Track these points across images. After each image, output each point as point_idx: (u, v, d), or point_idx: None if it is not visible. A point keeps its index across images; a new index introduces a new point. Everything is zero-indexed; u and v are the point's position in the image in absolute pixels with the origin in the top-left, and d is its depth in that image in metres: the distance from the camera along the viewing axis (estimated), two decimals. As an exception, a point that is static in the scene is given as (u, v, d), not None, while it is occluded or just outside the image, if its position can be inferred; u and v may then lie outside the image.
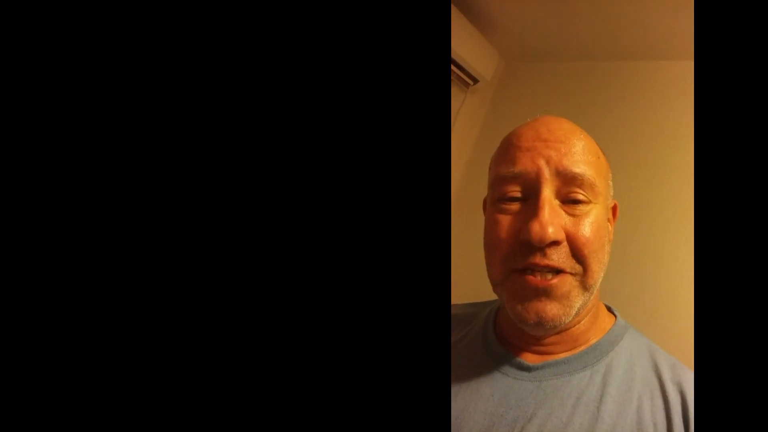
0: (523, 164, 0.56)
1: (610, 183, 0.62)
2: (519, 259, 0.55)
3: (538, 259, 0.54)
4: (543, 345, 0.61)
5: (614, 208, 0.64)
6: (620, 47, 1.57)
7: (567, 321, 0.56)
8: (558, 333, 0.60)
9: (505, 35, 1.74)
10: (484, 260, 0.61)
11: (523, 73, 1.89)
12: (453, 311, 0.76)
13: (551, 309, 0.55)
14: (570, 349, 0.60)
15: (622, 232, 0.67)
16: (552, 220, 0.54)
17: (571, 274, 0.55)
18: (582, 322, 0.61)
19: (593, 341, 0.61)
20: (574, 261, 0.55)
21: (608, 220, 0.61)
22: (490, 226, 0.59)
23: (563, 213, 0.56)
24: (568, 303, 0.55)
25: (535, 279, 0.54)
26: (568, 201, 0.56)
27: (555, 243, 0.54)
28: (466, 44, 1.63)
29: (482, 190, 0.67)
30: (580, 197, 0.56)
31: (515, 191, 0.57)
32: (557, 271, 0.55)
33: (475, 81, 1.78)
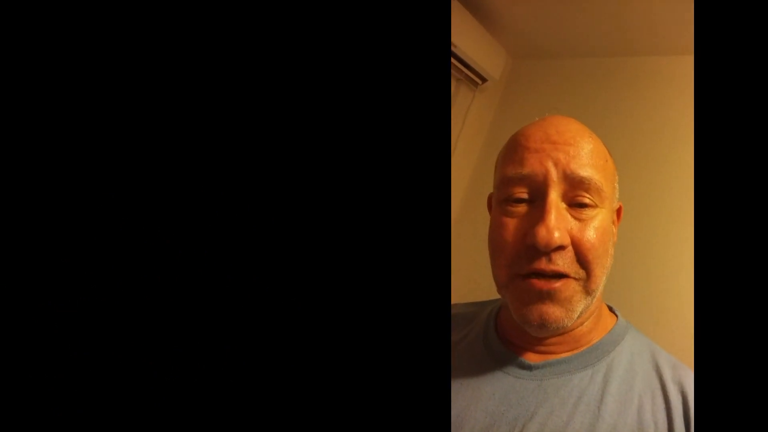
0: (531, 166, 0.56)
1: (616, 185, 0.61)
2: (524, 263, 0.55)
3: (543, 265, 0.54)
4: (545, 345, 0.60)
5: (619, 210, 0.63)
6: (626, 43, 1.56)
7: (569, 324, 0.56)
8: (560, 334, 0.59)
9: (512, 33, 1.73)
10: (489, 261, 0.60)
11: (530, 70, 1.88)
12: (454, 311, 0.75)
13: (554, 312, 0.54)
14: (572, 350, 0.60)
15: (624, 231, 0.66)
16: (558, 224, 0.53)
17: (574, 278, 0.55)
18: (585, 324, 0.60)
19: (595, 341, 0.60)
20: (578, 266, 0.55)
21: (613, 223, 0.60)
22: (496, 228, 0.58)
23: (569, 217, 0.55)
24: (570, 307, 0.55)
25: (540, 282, 0.54)
26: (574, 204, 0.55)
27: (560, 248, 0.53)
28: (474, 44, 1.62)
29: (492, 189, 0.66)
30: (587, 201, 0.55)
31: (522, 193, 0.57)
32: (561, 276, 0.54)
33: (484, 80, 1.77)
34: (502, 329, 0.66)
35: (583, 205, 0.55)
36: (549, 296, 0.54)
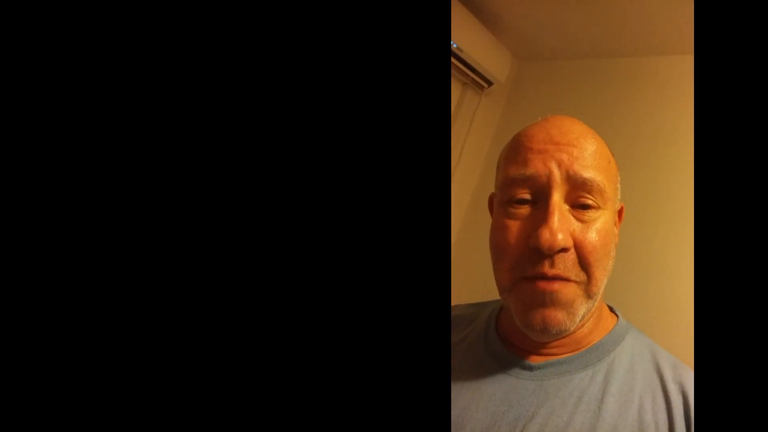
0: (535, 167, 0.55)
1: (618, 186, 0.61)
2: (528, 267, 0.54)
3: (546, 269, 0.53)
4: (545, 346, 0.60)
5: (620, 211, 0.62)
6: (629, 43, 1.56)
7: (571, 328, 0.55)
8: (562, 337, 0.58)
9: (517, 37, 1.74)
10: (491, 262, 0.60)
11: (535, 72, 1.88)
12: (454, 312, 0.75)
13: (556, 316, 0.54)
14: (572, 350, 0.59)
15: (624, 231, 0.65)
16: (561, 226, 0.52)
17: (575, 282, 0.54)
18: (586, 325, 0.59)
19: (595, 341, 0.60)
20: (580, 269, 0.54)
21: (615, 224, 0.59)
22: (499, 230, 0.58)
23: (572, 218, 0.54)
24: (572, 311, 0.54)
25: (543, 284, 0.53)
26: (577, 206, 0.55)
27: (563, 250, 0.53)
28: (480, 48, 1.63)
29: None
30: (590, 202, 0.55)
31: (525, 194, 0.56)
32: (562, 279, 0.54)
33: (490, 84, 1.77)
34: (502, 330, 0.65)
35: (586, 207, 0.55)
36: (551, 299, 0.54)
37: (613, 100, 1.61)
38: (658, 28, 1.41)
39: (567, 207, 0.55)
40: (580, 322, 0.56)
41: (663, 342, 0.62)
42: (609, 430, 0.51)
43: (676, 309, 1.23)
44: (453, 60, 1.63)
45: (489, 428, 0.55)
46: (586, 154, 0.55)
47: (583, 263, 0.54)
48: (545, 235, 0.52)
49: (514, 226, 0.56)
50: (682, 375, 0.54)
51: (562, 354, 0.59)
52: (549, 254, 0.53)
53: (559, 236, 0.52)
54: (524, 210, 0.56)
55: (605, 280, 0.57)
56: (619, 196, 0.61)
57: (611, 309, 0.65)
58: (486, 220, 0.64)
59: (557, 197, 0.54)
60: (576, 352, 0.59)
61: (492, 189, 0.66)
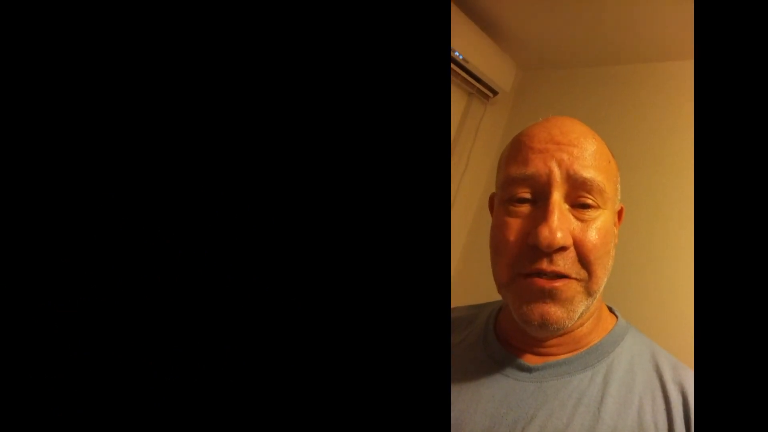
0: (535, 166, 0.55)
1: (618, 186, 0.60)
2: (526, 263, 0.54)
3: (545, 265, 0.53)
4: (544, 347, 0.59)
5: (620, 212, 0.62)
6: (630, 51, 1.56)
7: (570, 324, 0.55)
8: (560, 335, 0.58)
9: (521, 46, 1.75)
10: (490, 259, 0.59)
11: (539, 81, 1.89)
12: (453, 314, 0.74)
13: (555, 312, 0.53)
14: (571, 351, 0.58)
15: (624, 231, 0.65)
16: (561, 225, 0.52)
17: (576, 279, 0.54)
18: (585, 325, 0.59)
19: (594, 342, 0.59)
20: (580, 266, 0.54)
21: (614, 224, 0.59)
22: (499, 228, 0.57)
23: (572, 217, 0.54)
24: (571, 307, 0.54)
25: (541, 281, 0.53)
26: (577, 205, 0.55)
27: (562, 248, 0.53)
28: (485, 58, 1.64)
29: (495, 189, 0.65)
30: (589, 202, 0.54)
31: (525, 193, 0.56)
32: (562, 276, 0.53)
33: (495, 93, 1.77)
34: (501, 331, 0.65)
35: (586, 206, 0.54)
36: (550, 296, 0.53)
37: (615, 106, 1.61)
38: (659, 34, 1.41)
39: (567, 206, 0.54)
40: (579, 320, 0.56)
41: (663, 342, 0.61)
42: (609, 431, 0.50)
43: (676, 309, 1.22)
44: (459, 70, 1.64)
45: (488, 430, 0.54)
46: (587, 153, 0.55)
47: (584, 261, 0.54)
48: (544, 233, 0.51)
49: (514, 224, 0.56)
50: (682, 375, 0.53)
51: (561, 355, 0.58)
52: (548, 252, 0.52)
53: (558, 234, 0.51)
54: (524, 208, 0.56)
55: (605, 279, 0.56)
56: (619, 197, 0.60)
57: (611, 309, 0.64)
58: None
59: (557, 196, 0.54)
60: (575, 353, 0.58)
61: (497, 194, 0.66)
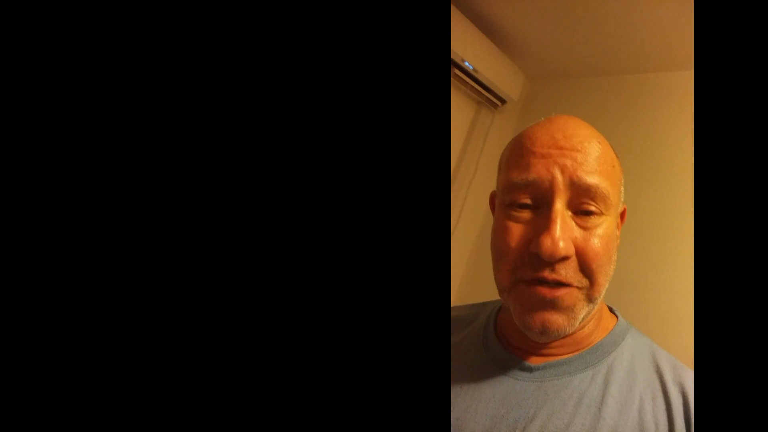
0: (538, 172, 0.53)
1: (622, 189, 0.58)
2: (528, 270, 0.52)
3: (546, 274, 0.51)
4: (545, 347, 0.58)
5: (623, 213, 0.60)
6: (635, 60, 1.56)
7: (571, 330, 0.53)
8: (562, 338, 0.56)
9: (529, 56, 1.75)
10: (492, 263, 0.58)
11: (546, 90, 1.89)
12: (453, 313, 0.73)
13: (556, 320, 0.52)
14: (572, 351, 0.57)
15: (624, 231, 0.63)
16: (563, 234, 0.50)
17: (577, 287, 0.52)
18: (586, 327, 0.57)
19: (595, 342, 0.57)
20: (582, 275, 0.52)
21: (617, 227, 0.57)
22: (500, 233, 0.55)
23: (574, 225, 0.52)
24: (573, 315, 0.53)
25: (543, 290, 0.52)
26: (579, 212, 0.53)
27: (565, 258, 0.51)
28: (494, 68, 1.64)
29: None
30: (592, 209, 0.52)
31: (527, 198, 0.54)
32: (564, 285, 0.52)
33: (503, 102, 1.79)
34: (501, 331, 0.63)
35: (589, 213, 0.52)
36: (552, 304, 0.52)
37: (619, 114, 1.61)
38: (663, 45, 1.41)
39: (569, 213, 0.52)
40: (579, 324, 0.54)
41: (663, 342, 0.60)
42: (609, 431, 0.49)
43: (676, 309, 1.21)
44: (468, 80, 1.66)
45: (489, 430, 0.53)
46: (590, 159, 0.53)
47: (586, 270, 0.52)
48: (547, 243, 0.50)
49: (515, 229, 0.54)
50: (682, 376, 0.52)
51: (561, 355, 0.57)
52: (550, 261, 0.51)
53: (561, 244, 0.50)
54: (526, 214, 0.54)
55: (607, 285, 0.55)
56: (622, 199, 0.59)
57: (611, 309, 0.63)
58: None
59: (560, 204, 0.52)
60: (576, 353, 0.57)
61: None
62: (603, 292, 0.55)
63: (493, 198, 0.64)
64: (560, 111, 1.90)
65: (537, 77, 1.91)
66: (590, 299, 0.53)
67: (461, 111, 1.80)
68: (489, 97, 1.75)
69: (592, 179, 0.52)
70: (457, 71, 1.61)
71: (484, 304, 0.72)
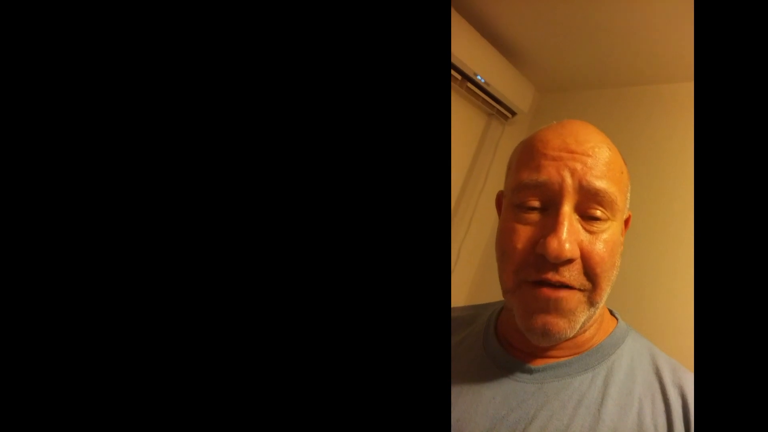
0: (548, 173, 0.53)
1: (628, 195, 0.58)
2: (532, 272, 0.52)
3: (550, 275, 0.51)
4: (545, 349, 0.57)
5: (627, 219, 0.60)
6: (643, 72, 1.58)
7: (572, 334, 0.53)
8: (562, 342, 0.56)
9: (538, 69, 1.75)
10: (496, 262, 0.58)
11: (555, 102, 1.90)
12: (454, 313, 0.72)
13: (558, 323, 0.52)
14: (572, 353, 0.57)
15: (626, 237, 0.63)
16: (570, 237, 0.50)
17: (579, 290, 0.52)
18: (587, 332, 0.57)
19: (595, 344, 0.57)
20: (585, 278, 0.52)
21: (621, 233, 0.57)
22: (507, 233, 0.55)
23: (581, 228, 0.52)
24: (574, 318, 0.52)
25: (547, 291, 0.52)
26: (586, 216, 0.53)
27: (569, 260, 0.51)
28: (504, 81, 1.65)
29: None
30: (599, 214, 0.52)
31: (535, 200, 0.54)
32: (566, 287, 0.52)
33: (513, 114, 1.81)
34: (502, 332, 0.63)
35: (596, 218, 0.52)
36: (554, 306, 0.52)
37: (625, 124, 1.62)
38: (669, 57, 1.43)
39: (576, 216, 0.52)
40: (581, 329, 0.54)
41: (663, 344, 0.60)
42: None
43: (676, 311, 1.20)
44: (479, 92, 1.68)
45: (489, 431, 0.53)
46: (600, 164, 0.53)
47: (589, 273, 0.52)
48: (553, 244, 0.50)
49: (522, 231, 0.54)
50: (682, 378, 0.52)
51: (561, 357, 0.57)
52: (555, 263, 0.51)
53: (567, 246, 0.50)
54: (534, 215, 0.54)
55: (609, 290, 0.54)
56: (627, 205, 0.59)
57: (611, 312, 0.62)
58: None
59: (568, 207, 0.52)
60: (576, 355, 0.56)
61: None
62: (605, 297, 0.54)
63: (499, 198, 0.63)
64: (569, 121, 1.84)
65: (546, 90, 1.92)
66: (592, 303, 0.53)
67: (473, 122, 1.81)
68: (500, 109, 1.76)
69: (600, 184, 0.52)
70: (469, 84, 1.63)
71: (484, 306, 0.72)
